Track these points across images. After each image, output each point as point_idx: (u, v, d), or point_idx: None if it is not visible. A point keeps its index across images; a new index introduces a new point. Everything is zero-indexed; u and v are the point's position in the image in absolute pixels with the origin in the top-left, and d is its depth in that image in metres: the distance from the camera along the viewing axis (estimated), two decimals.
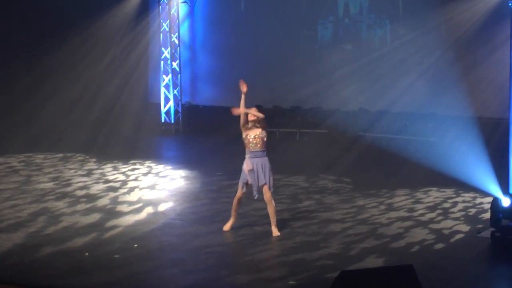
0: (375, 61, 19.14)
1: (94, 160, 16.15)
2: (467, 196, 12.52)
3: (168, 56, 21.63)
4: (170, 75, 21.68)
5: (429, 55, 18.34)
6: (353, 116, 19.14)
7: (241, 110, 9.80)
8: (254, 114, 9.81)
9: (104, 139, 15.74)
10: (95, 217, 10.80)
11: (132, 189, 13.00)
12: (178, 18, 21.82)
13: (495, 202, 9.70)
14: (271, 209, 9.80)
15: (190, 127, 21.46)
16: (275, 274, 8.11)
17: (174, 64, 21.75)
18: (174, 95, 21.80)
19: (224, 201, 11.85)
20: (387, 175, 14.63)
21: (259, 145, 9.72)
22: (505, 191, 10.38)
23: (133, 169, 15.06)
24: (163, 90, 21.78)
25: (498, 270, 8.91)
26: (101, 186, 13.27)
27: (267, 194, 9.73)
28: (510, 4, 10.60)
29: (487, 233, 9.73)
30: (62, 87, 19.92)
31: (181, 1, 21.87)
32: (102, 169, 15.07)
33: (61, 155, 16.78)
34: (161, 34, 21.70)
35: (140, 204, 11.72)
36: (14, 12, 19.40)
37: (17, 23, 19.48)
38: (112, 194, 12.49)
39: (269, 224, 10.17)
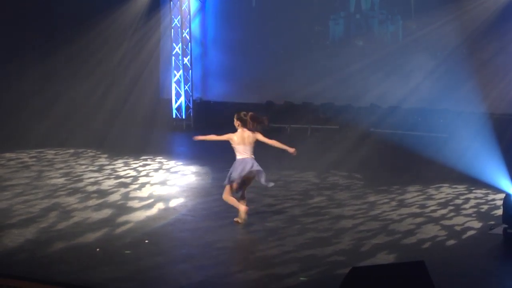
0: (386, 57, 19.11)
1: (105, 155, 16.18)
2: (479, 192, 12.47)
3: (179, 51, 21.66)
4: (181, 71, 21.71)
5: (441, 50, 18.29)
6: (365, 112, 19.12)
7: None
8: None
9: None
10: (106, 212, 10.81)
11: (143, 185, 13.01)
12: (189, 13, 21.83)
13: (508, 198, 9.65)
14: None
15: (201, 122, 21.50)
16: (286, 270, 8.09)
17: (185, 60, 21.78)
18: (185, 91, 21.83)
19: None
20: (398, 171, 14.61)
21: None
22: None
23: (144, 165, 15.08)
24: (174, 86, 21.82)
25: (510, 266, 8.87)
26: (112, 181, 13.29)
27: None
28: None
29: (499, 230, 9.69)
30: (74, 83, 19.99)
31: None
32: (113, 164, 15.10)
33: (72, 150, 16.83)
34: (172, 30, 21.72)
35: (151, 200, 11.73)
36: (26, 8, 19.46)
37: (29, 18, 19.54)
38: (123, 190, 12.51)
39: (281, 220, 10.39)
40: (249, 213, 10.41)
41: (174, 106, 21.92)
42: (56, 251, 8.75)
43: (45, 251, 8.74)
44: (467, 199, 11.99)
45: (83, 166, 14.86)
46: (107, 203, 11.48)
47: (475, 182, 13.00)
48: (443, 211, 11.11)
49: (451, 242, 9.42)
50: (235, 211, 10.91)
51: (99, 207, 11.14)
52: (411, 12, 19.24)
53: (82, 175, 13.90)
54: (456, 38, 17.80)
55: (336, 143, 17.27)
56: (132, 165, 15.08)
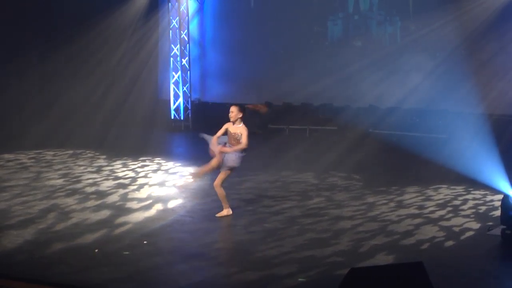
0: (385, 57, 19.12)
1: (104, 156, 16.18)
2: (478, 193, 12.47)
3: (178, 53, 21.66)
4: (179, 72, 21.72)
5: (440, 51, 18.30)
6: (364, 113, 19.13)
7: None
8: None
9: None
10: (105, 213, 10.81)
11: (141, 186, 13.01)
12: (187, 14, 21.84)
13: (506, 199, 9.65)
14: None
15: (199, 123, 21.49)
16: (285, 271, 8.09)
17: (184, 61, 21.78)
18: (184, 92, 21.83)
19: (233, 198, 11.86)
20: (397, 172, 14.62)
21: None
22: None
23: (142, 166, 15.08)
24: (172, 87, 21.82)
25: (508, 267, 8.86)
26: (111, 182, 13.28)
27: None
28: None
29: (497, 231, 9.69)
30: (73, 83, 19.98)
31: None
32: (112, 166, 15.09)
33: (71, 151, 16.83)
34: (170, 31, 21.72)
35: (150, 201, 11.73)
36: (26, 8, 19.44)
37: (29, 18, 19.52)
38: (121, 191, 12.50)
39: (280, 221, 10.39)
40: (248, 214, 10.44)
41: (173, 107, 21.92)
42: (54, 252, 8.75)
43: (43, 252, 8.73)
44: (466, 200, 11.99)
45: (82, 167, 14.85)
46: (105, 204, 11.47)
47: (473, 183, 13.01)
48: (442, 212, 11.11)
49: (450, 243, 9.42)
50: (233, 212, 10.92)
51: (97, 208, 11.14)
52: (410, 13, 19.25)
53: (80, 176, 13.90)
54: (455, 39, 17.80)
55: (335, 144, 17.28)
56: (130, 166, 15.08)
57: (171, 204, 11.54)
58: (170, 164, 15.43)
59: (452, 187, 13.02)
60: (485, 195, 12.28)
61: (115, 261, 8.40)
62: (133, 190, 12.61)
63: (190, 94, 21.99)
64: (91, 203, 11.52)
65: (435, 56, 18.47)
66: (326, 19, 20.57)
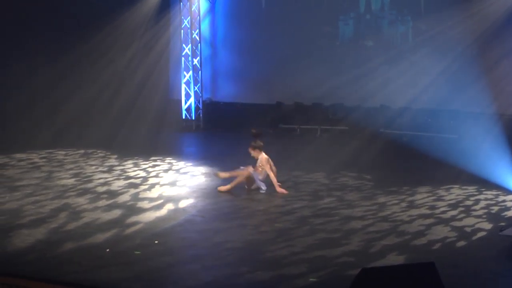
0: (396, 57, 19.08)
1: (115, 156, 16.21)
2: (490, 193, 12.42)
3: (189, 52, 21.68)
4: (191, 72, 21.73)
5: (451, 51, 18.23)
6: (375, 113, 19.09)
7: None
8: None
9: None
10: (116, 213, 10.82)
11: (153, 186, 13.02)
12: (199, 14, 21.87)
13: None
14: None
15: (210, 123, 21.52)
16: (296, 271, 8.08)
17: (195, 61, 21.80)
18: (195, 92, 21.85)
19: (245, 198, 11.86)
20: (408, 172, 14.57)
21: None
22: None
23: (154, 166, 15.10)
24: (183, 86, 21.83)
25: None
26: (122, 182, 13.30)
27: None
28: None
29: (509, 231, 9.63)
30: (83, 84, 20.02)
31: None
32: (123, 165, 15.11)
33: (82, 151, 16.86)
34: (182, 31, 21.75)
35: (161, 201, 11.74)
36: (35, 8, 19.49)
37: (39, 18, 19.57)
38: (133, 191, 12.52)
39: (290, 221, 10.42)
40: (258, 214, 10.43)
41: (184, 107, 21.94)
42: (65, 252, 8.77)
43: (55, 252, 8.76)
44: (477, 200, 11.94)
45: (93, 167, 14.88)
46: (116, 203, 11.49)
47: (485, 183, 12.96)
48: (453, 212, 11.07)
49: (461, 243, 9.39)
50: (244, 212, 10.95)
51: (108, 208, 11.15)
52: (421, 13, 19.20)
53: (92, 175, 13.93)
54: (466, 38, 17.75)
55: (346, 144, 17.25)
56: (141, 166, 15.10)
57: (182, 204, 11.55)
58: (181, 164, 15.44)
59: (464, 187, 12.98)
60: (497, 195, 12.23)
61: (126, 261, 8.41)
62: (144, 190, 12.63)
63: (202, 94, 22.00)
64: (102, 202, 11.54)
65: (446, 55, 18.40)
66: (337, 19, 20.54)
